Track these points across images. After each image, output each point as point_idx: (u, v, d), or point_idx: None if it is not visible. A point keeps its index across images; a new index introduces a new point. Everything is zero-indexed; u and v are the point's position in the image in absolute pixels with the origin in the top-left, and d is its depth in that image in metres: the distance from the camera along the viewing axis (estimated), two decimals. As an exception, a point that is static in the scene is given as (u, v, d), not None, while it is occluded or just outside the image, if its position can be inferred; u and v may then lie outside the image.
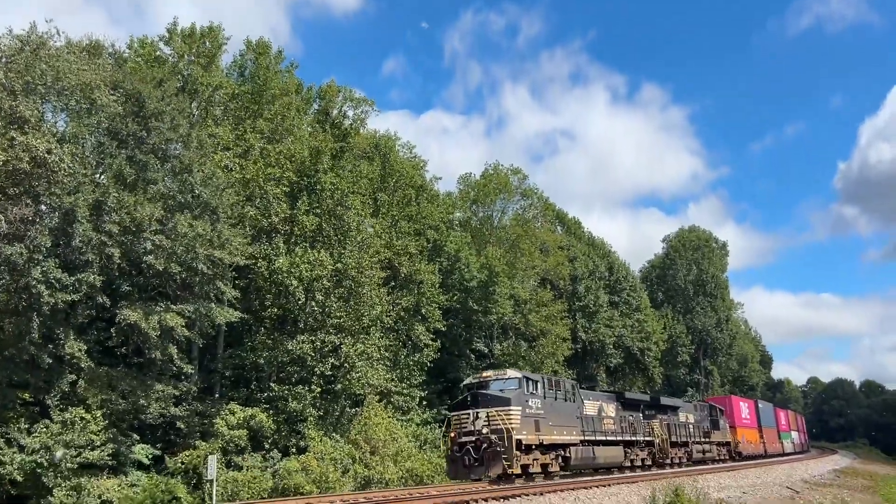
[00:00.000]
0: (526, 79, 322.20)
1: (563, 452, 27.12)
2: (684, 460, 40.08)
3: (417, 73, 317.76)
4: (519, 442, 23.83)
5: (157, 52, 32.91)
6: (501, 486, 22.93)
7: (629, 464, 33.22)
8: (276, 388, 30.98)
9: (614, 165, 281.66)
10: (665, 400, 41.65)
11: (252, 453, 28.96)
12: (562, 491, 22.06)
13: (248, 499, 25.38)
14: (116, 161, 25.76)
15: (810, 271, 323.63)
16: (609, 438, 31.06)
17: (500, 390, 24.87)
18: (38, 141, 22.10)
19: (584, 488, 23.39)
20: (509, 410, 23.89)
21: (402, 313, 38.93)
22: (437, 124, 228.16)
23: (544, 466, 26.02)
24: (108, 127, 25.86)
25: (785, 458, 61.89)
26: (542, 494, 20.89)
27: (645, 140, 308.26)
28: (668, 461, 37.29)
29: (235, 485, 26.56)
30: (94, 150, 26.27)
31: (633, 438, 33.93)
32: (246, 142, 32.80)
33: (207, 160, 28.09)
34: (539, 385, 26.40)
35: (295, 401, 30.59)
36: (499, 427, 23.50)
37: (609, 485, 24.95)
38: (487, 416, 23.87)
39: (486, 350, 48.21)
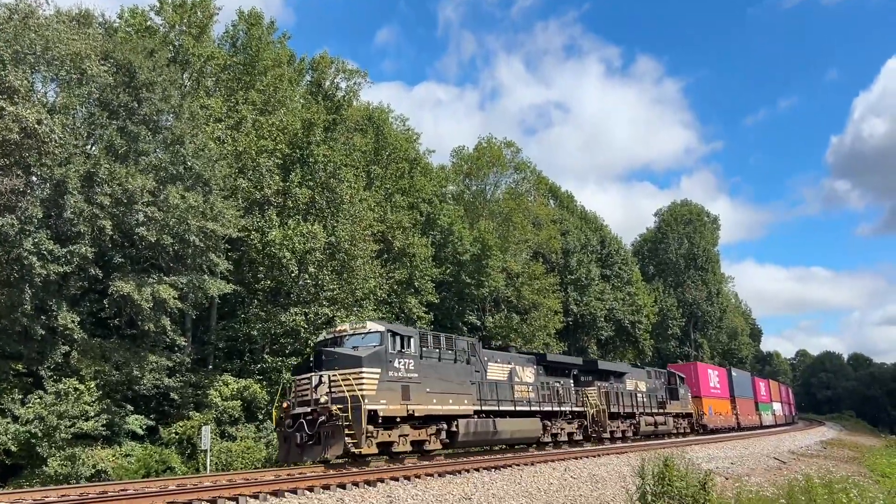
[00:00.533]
0: (520, 50, 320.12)
1: (448, 426, 22.39)
2: (629, 434, 35.48)
3: (411, 44, 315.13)
4: (374, 413, 19.18)
5: (148, 22, 32.53)
6: (492, 457, 23.19)
7: (550, 439, 28.61)
8: (269, 360, 31.15)
9: (608, 139, 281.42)
10: (605, 365, 36.13)
11: (246, 424, 29.18)
12: (552, 461, 22.44)
13: (241, 469, 25.63)
14: (107, 132, 25.59)
15: (802, 245, 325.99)
16: (521, 409, 26.23)
17: (354, 348, 20.09)
18: (28, 111, 21.93)
19: (574, 458, 23.79)
20: (360, 373, 19.10)
21: (396, 286, 39.05)
22: (430, 96, 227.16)
23: (419, 444, 21.44)
24: (99, 97, 25.66)
25: (763, 430, 58.13)
26: (532, 465, 21.24)
27: (639, 113, 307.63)
28: (607, 435, 32.75)
29: (229, 455, 26.79)
30: (84, 120, 26.08)
31: (557, 409, 28.97)
32: (238, 113, 32.60)
33: (199, 132, 27.93)
34: (412, 342, 21.26)
35: (289, 372, 30.74)
36: (342, 395, 18.76)
37: (599, 455, 25.34)
38: (330, 381, 19.12)
39: (479, 323, 48.48)
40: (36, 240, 22.48)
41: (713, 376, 51.92)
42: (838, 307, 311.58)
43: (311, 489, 14.54)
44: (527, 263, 52.35)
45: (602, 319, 63.95)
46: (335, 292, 32.72)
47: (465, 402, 22.99)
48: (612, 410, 33.36)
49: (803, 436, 55.16)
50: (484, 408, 23.94)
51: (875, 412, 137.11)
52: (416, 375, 20.97)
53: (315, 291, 32.21)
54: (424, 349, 21.85)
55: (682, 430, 43.25)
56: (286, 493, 13.82)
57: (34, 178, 23.57)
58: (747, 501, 16.26)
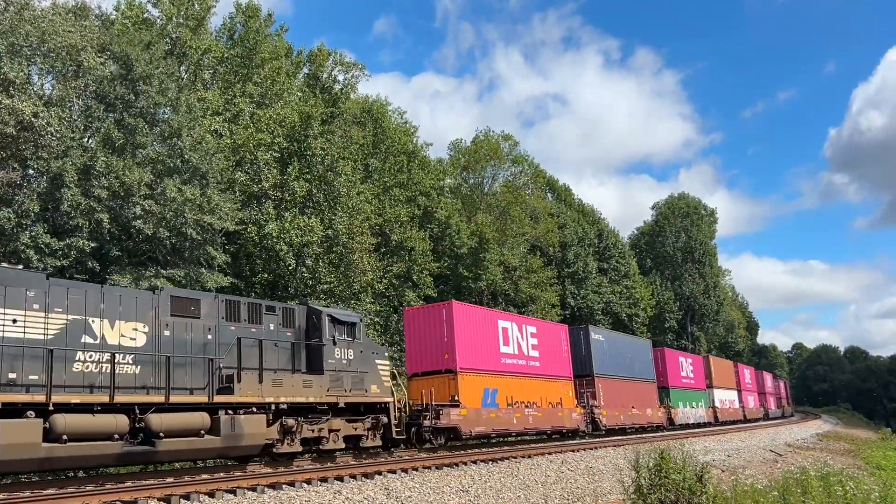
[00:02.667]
0: (518, 42, 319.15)
1: None
2: None
3: (409, 34, 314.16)
4: None
5: (145, 15, 32.45)
6: (489, 450, 23.24)
7: None
8: (266, 353, 31.16)
9: (606, 131, 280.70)
10: None
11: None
12: (549, 454, 22.54)
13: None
14: (104, 125, 25.53)
15: (799, 238, 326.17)
16: None
17: None
18: (24, 104, 21.86)
19: (572, 451, 23.88)
20: None
21: (394, 280, 39.08)
22: (428, 87, 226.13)
23: None
24: (96, 90, 25.58)
25: (699, 430, 42.26)
26: (529, 457, 21.32)
27: (637, 106, 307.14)
28: None
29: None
30: (81, 113, 26.00)
31: None
32: (235, 106, 32.56)
33: (196, 125, 27.89)
34: None
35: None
36: None
37: (596, 448, 25.42)
38: None
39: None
40: (33, 233, 22.45)
41: (513, 333, 28.46)
42: (835, 300, 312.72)
43: (308, 482, 14.59)
44: (524, 257, 52.39)
45: (599, 313, 64.02)
46: (332, 285, 32.73)
47: None
48: None
49: (799, 429, 55.42)
50: None
51: (871, 405, 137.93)
52: None
53: (312, 284, 32.23)
54: None
55: (342, 445, 19.69)
56: (283, 486, 13.87)
57: (31, 172, 23.52)
58: (743, 494, 16.34)
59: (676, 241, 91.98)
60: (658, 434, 35.69)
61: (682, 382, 45.99)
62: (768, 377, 78.73)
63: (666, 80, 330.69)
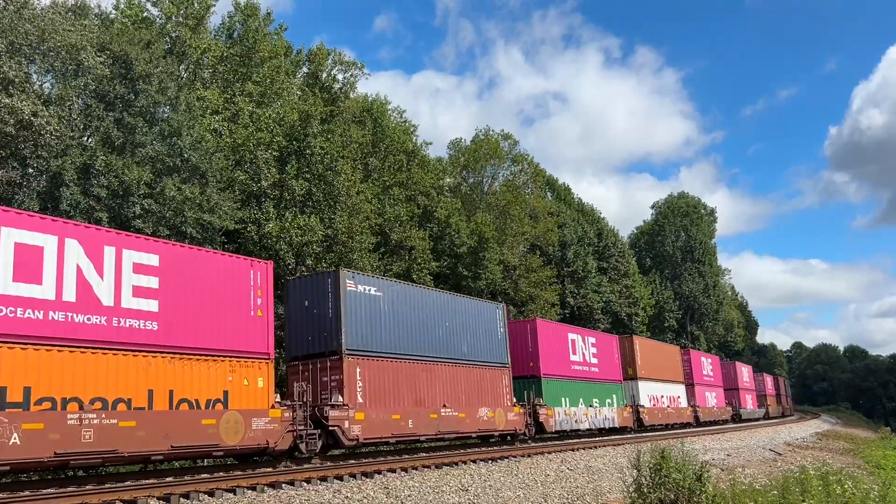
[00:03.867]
0: (518, 39, 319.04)
1: None
2: None
3: (409, 31, 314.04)
4: None
5: (145, 14, 32.46)
6: (489, 450, 23.24)
7: None
8: (266, 352, 31.20)
9: (606, 129, 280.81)
10: None
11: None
12: (549, 453, 22.56)
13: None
14: (104, 124, 25.52)
15: (799, 237, 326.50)
16: None
17: None
18: (24, 103, 21.86)
19: (571, 450, 23.89)
20: None
21: (393, 280, 39.05)
22: (428, 84, 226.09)
23: None
24: (95, 89, 25.58)
25: (585, 440, 30.07)
26: (529, 456, 21.34)
27: (638, 104, 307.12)
28: None
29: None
30: (81, 112, 25.99)
31: None
32: (235, 105, 32.57)
33: (196, 123, 27.90)
34: None
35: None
36: None
37: (595, 447, 25.43)
38: None
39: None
40: (32, 232, 22.43)
41: (64, 260, 14.06)
42: (835, 299, 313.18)
43: (308, 481, 14.59)
44: (524, 256, 52.41)
45: (599, 312, 64.02)
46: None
47: None
48: None
49: (799, 428, 55.45)
50: None
51: (870, 404, 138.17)
52: None
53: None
54: None
55: None
56: (283, 485, 13.87)
57: (30, 171, 23.52)
58: (742, 493, 16.33)
59: (676, 240, 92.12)
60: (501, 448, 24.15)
61: (573, 370, 32.46)
62: (745, 370, 66.04)
63: (666, 78, 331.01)
